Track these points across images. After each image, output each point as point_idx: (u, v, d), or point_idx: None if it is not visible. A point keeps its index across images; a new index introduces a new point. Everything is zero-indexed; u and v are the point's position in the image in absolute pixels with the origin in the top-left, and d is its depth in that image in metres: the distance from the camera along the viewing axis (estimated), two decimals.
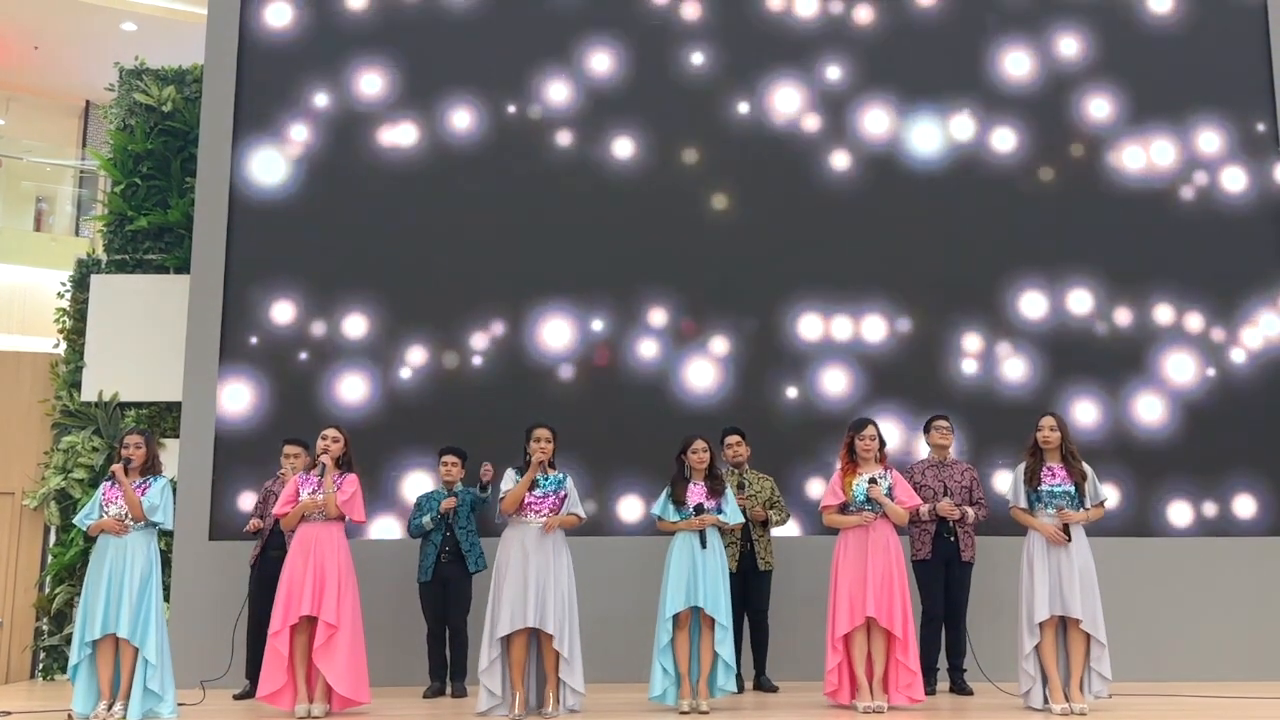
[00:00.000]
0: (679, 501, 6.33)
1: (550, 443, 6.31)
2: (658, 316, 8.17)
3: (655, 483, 7.17)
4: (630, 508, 7.89)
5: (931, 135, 8.48)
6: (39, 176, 13.86)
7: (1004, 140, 8.48)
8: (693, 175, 8.40)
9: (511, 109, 8.45)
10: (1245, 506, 7.97)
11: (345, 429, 6.58)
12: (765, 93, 8.51)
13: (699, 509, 6.27)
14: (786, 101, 8.50)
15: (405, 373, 8.09)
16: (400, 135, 8.42)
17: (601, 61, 8.52)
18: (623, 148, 8.40)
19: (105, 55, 11.49)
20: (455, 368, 8.11)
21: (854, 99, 8.50)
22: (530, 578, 6.06)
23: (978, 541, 7.08)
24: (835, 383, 8.12)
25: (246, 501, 7.72)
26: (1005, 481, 7.35)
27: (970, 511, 6.95)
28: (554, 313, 8.18)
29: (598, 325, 8.16)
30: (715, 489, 6.37)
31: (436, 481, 7.42)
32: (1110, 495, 7.56)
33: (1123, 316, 8.25)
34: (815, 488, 7.78)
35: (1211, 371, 8.19)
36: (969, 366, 8.16)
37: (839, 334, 8.18)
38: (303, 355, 8.10)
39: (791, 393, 8.07)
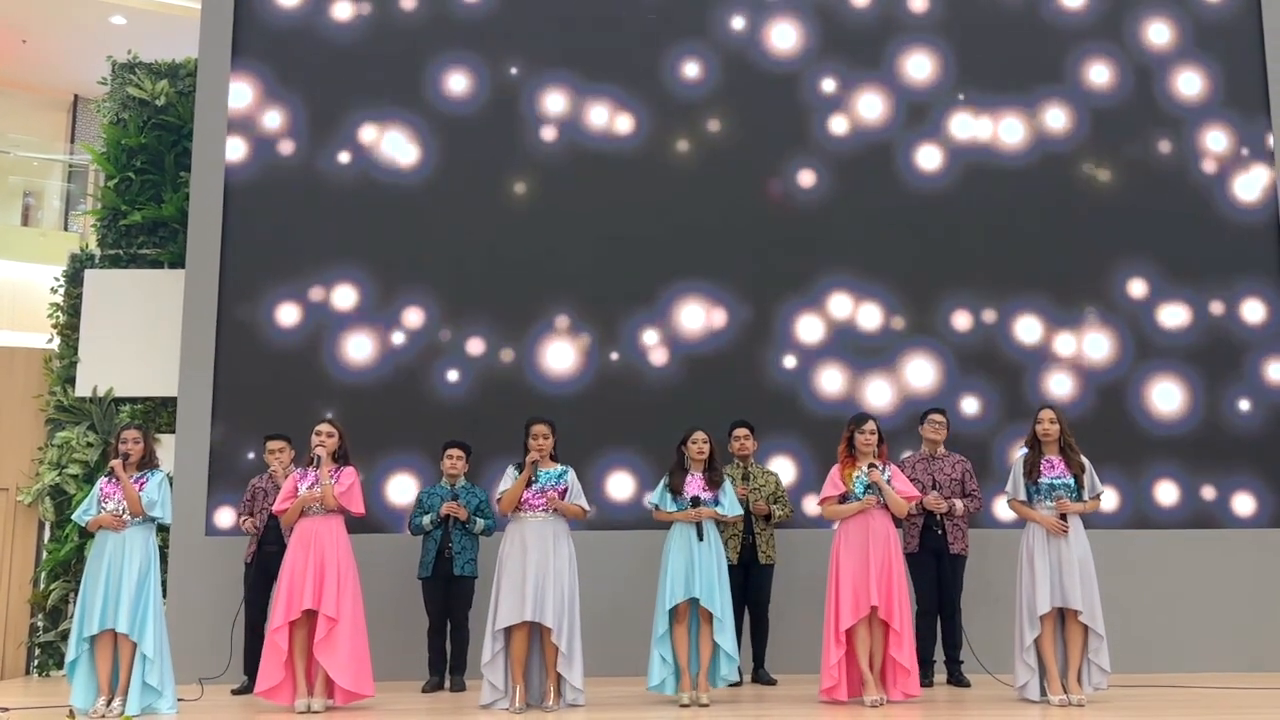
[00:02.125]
0: (675, 491, 6.32)
1: (548, 439, 6.26)
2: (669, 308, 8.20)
3: (649, 473, 7.22)
4: (627, 492, 7.91)
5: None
6: (26, 171, 13.74)
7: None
8: (686, 167, 8.42)
9: (510, 91, 8.46)
10: (1244, 499, 7.99)
11: (339, 423, 6.54)
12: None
13: (695, 501, 6.25)
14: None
15: (400, 366, 8.08)
16: (398, 126, 8.38)
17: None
18: (622, 123, 8.41)
19: (94, 49, 11.45)
20: (453, 359, 8.10)
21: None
22: (529, 572, 6.04)
23: (972, 534, 7.10)
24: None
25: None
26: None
27: (959, 504, 6.95)
28: (554, 313, 8.19)
29: (600, 326, 8.17)
30: (714, 481, 6.36)
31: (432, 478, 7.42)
32: (1110, 497, 7.61)
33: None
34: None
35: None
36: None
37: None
38: (298, 351, 8.08)
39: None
